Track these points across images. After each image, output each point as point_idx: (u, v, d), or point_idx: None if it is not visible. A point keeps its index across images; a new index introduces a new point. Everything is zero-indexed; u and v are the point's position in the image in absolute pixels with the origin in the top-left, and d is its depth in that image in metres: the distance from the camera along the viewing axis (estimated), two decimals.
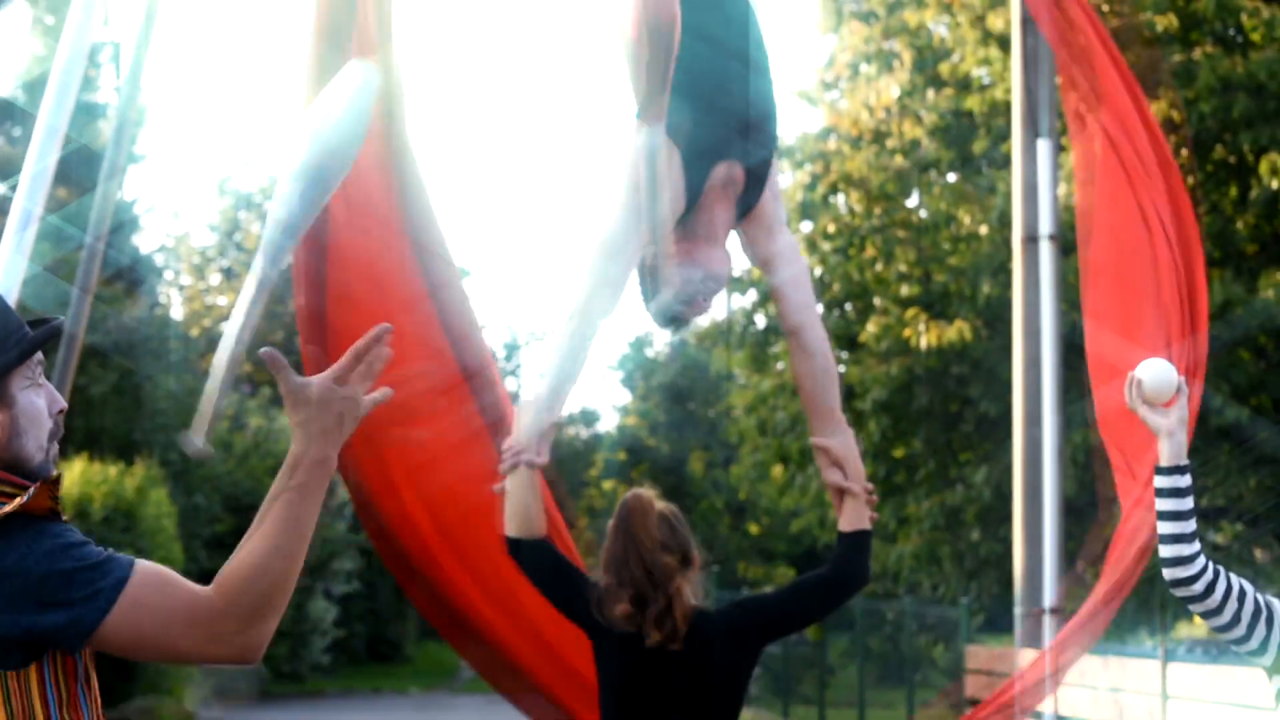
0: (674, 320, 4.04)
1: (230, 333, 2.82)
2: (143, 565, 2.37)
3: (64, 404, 2.54)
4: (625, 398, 32.37)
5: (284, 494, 2.44)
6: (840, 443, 3.98)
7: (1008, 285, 11.49)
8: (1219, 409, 13.02)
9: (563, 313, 3.92)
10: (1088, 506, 14.08)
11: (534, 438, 3.85)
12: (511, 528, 3.91)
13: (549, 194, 61.29)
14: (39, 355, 2.49)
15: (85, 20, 3.94)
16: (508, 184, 57.45)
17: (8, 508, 2.31)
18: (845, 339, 14.80)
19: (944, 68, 14.62)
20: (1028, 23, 10.63)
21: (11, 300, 3.53)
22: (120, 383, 14.87)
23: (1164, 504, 3.24)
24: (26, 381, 2.46)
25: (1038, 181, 10.30)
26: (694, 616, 3.72)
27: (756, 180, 3.95)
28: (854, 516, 3.92)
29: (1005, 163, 13.15)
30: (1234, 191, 13.79)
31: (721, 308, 20.80)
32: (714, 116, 3.88)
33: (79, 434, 13.22)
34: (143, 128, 18.52)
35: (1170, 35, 13.45)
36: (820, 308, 3.47)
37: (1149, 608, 14.56)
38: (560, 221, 58.84)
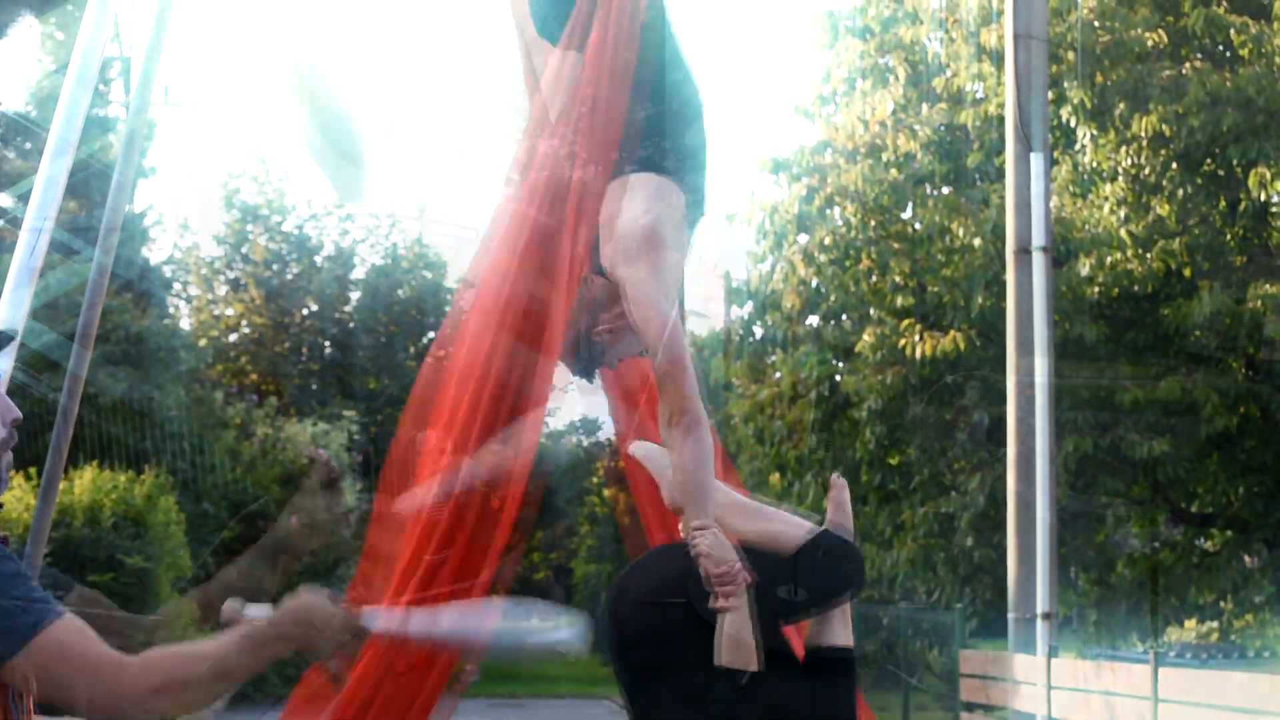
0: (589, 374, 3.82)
1: None
2: (70, 617, 2.37)
3: (18, 414, 2.52)
4: None
5: (254, 643, 2.46)
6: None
7: (1001, 296, 11.58)
8: (1209, 418, 13.18)
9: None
10: (1080, 514, 14.23)
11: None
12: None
13: None
14: None
15: (95, 36, 3.98)
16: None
17: None
18: (841, 349, 14.93)
19: (938, 82, 14.74)
20: (1020, 39, 10.82)
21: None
22: (129, 392, 15.05)
23: None
24: None
25: (1030, 195, 10.47)
26: None
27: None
28: None
29: (998, 176, 13.26)
30: (1223, 204, 13.93)
31: (720, 318, 20.97)
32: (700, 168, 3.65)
33: (89, 442, 13.41)
34: (152, 141, 18.72)
35: (1160, 51, 13.63)
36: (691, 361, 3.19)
37: (1140, 613, 14.71)
38: None
